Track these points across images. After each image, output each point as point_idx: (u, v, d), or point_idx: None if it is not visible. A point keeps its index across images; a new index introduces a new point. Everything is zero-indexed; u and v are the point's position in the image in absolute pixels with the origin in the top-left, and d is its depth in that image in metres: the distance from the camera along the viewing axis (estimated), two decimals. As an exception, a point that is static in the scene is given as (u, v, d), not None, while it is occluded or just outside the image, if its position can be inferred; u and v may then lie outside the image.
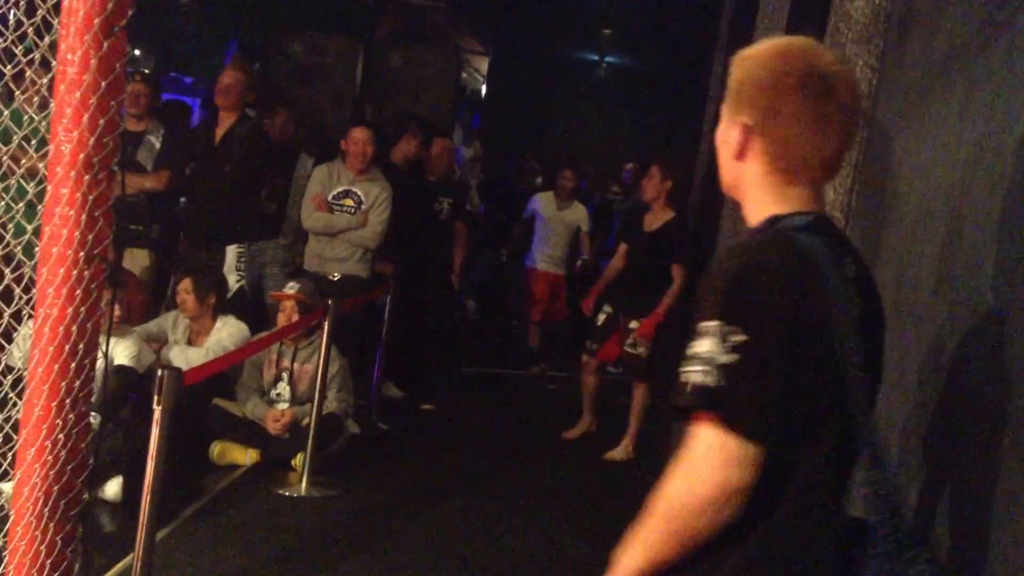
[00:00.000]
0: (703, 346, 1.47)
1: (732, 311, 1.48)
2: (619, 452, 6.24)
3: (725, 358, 1.45)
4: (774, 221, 1.63)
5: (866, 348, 1.57)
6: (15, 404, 2.18)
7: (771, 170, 1.64)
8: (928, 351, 2.32)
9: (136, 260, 5.87)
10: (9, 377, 2.27)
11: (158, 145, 5.95)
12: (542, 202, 8.38)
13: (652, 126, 14.00)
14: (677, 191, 6.26)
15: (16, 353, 2.50)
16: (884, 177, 3.09)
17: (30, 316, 2.11)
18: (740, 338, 1.45)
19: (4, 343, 2.14)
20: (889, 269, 2.80)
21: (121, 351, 4.56)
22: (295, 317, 5.27)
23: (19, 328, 2.23)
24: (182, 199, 5.89)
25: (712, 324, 1.47)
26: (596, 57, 15.53)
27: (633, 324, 6.09)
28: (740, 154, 1.66)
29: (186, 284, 5.23)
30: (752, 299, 1.49)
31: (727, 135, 1.69)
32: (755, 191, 1.68)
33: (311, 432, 4.87)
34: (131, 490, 4.06)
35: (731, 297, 1.49)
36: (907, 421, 2.37)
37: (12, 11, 2.06)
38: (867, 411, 1.56)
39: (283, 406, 5.33)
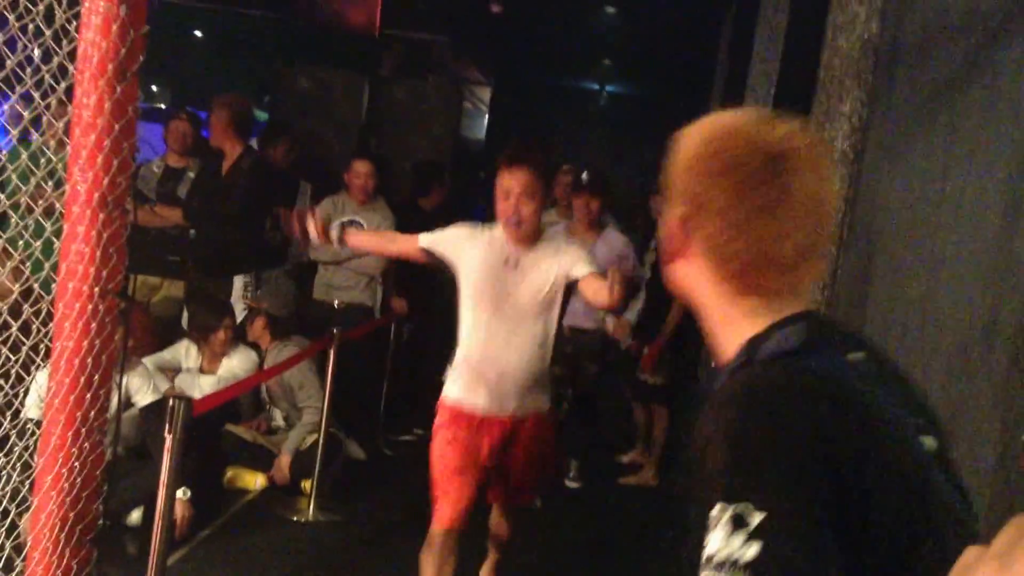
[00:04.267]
0: (714, 544, 1.03)
1: (736, 485, 1.06)
2: (641, 477, 6.31)
3: (746, 552, 1.01)
4: (752, 348, 1.23)
5: (947, 474, 1.18)
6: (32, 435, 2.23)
7: (717, 277, 1.28)
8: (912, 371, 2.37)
9: (173, 292, 6.01)
10: (22, 416, 2.33)
11: None
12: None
13: (654, 154, 14.08)
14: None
15: (32, 400, 2.55)
16: (873, 209, 3.15)
17: (45, 364, 2.17)
18: (755, 518, 1.02)
19: (24, 375, 2.20)
20: (879, 298, 2.85)
21: (136, 385, 4.56)
22: (265, 335, 5.45)
23: (36, 375, 2.29)
24: (191, 231, 5.98)
25: (717, 511, 1.05)
26: (596, 86, 15.65)
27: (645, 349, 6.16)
28: (678, 254, 1.32)
29: (229, 322, 5.30)
30: (757, 460, 1.07)
31: (663, 229, 1.34)
32: (709, 303, 1.32)
33: (318, 458, 4.93)
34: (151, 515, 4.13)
35: (730, 466, 1.08)
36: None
37: (31, 57, 2.13)
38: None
39: (280, 431, 5.47)
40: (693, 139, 1.30)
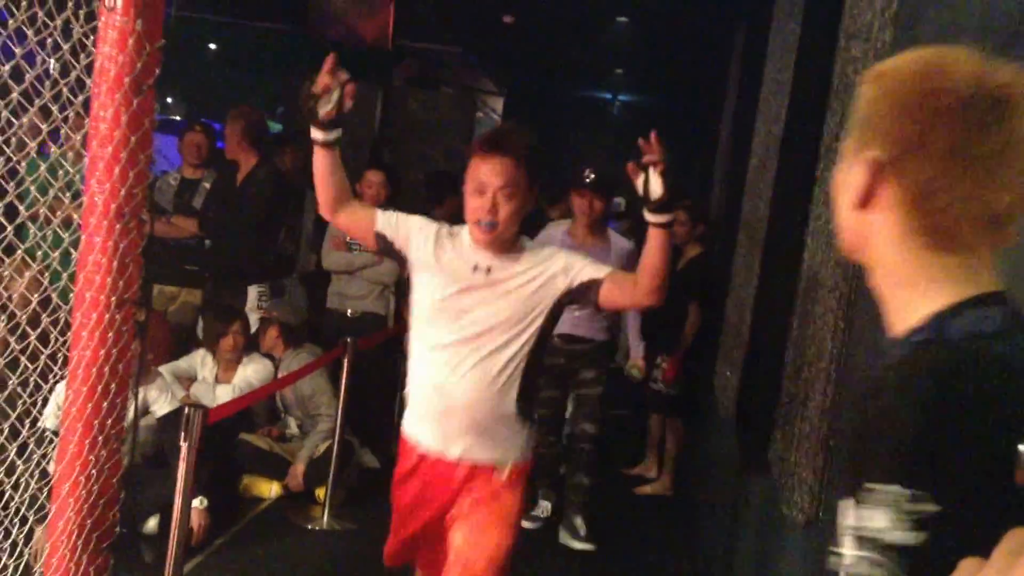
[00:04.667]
0: (875, 520, 1.00)
1: (919, 470, 1.00)
2: (657, 487, 6.29)
3: (908, 537, 0.98)
4: (940, 324, 1.11)
5: None
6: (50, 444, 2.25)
7: (912, 229, 1.14)
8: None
9: (189, 299, 6.07)
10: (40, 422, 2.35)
11: None
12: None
13: (667, 164, 14.08)
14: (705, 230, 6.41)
15: (50, 410, 2.57)
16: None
17: (63, 372, 2.19)
18: (930, 509, 0.98)
19: (40, 383, 2.23)
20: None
21: (154, 396, 4.61)
22: (278, 344, 5.50)
23: (55, 386, 2.31)
24: (206, 241, 6.04)
25: (890, 490, 1.00)
26: (609, 96, 15.66)
27: (660, 360, 6.13)
28: (865, 201, 1.16)
29: (238, 326, 5.34)
30: (947, 451, 1.00)
31: (848, 175, 1.19)
32: (891, 261, 1.17)
33: (332, 466, 4.95)
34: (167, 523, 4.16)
35: (915, 449, 1.01)
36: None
37: (49, 70, 2.15)
38: None
39: (294, 439, 5.49)
40: (904, 74, 1.15)
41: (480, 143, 2.74)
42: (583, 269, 2.74)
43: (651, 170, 2.54)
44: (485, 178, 2.67)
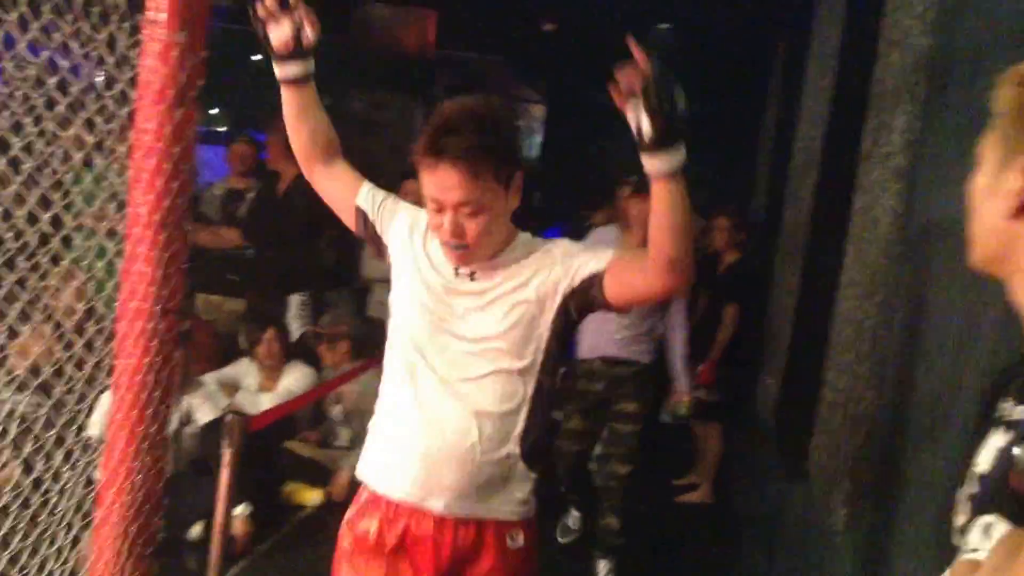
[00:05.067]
0: None
1: None
2: (697, 495, 6.26)
3: None
4: None
5: None
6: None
7: None
8: (972, 383, 2.35)
9: (234, 308, 6.16)
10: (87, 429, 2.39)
11: None
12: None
13: (706, 171, 14.02)
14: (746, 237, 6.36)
15: (96, 418, 2.62)
16: (928, 222, 3.12)
17: (108, 380, 2.24)
18: None
19: (86, 391, 2.27)
20: (936, 309, 2.83)
21: (198, 404, 4.69)
22: (346, 358, 5.52)
23: (101, 395, 2.35)
24: (248, 251, 6.12)
25: None
26: (651, 103, 15.61)
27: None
28: (1021, 210, 1.08)
29: (271, 334, 5.40)
30: None
31: (999, 182, 1.10)
32: None
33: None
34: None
35: None
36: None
37: (94, 83, 2.20)
38: None
39: (341, 449, 5.53)
40: None
41: (423, 146, 2.03)
42: (585, 263, 2.10)
43: (637, 96, 1.84)
44: (438, 193, 2.03)
